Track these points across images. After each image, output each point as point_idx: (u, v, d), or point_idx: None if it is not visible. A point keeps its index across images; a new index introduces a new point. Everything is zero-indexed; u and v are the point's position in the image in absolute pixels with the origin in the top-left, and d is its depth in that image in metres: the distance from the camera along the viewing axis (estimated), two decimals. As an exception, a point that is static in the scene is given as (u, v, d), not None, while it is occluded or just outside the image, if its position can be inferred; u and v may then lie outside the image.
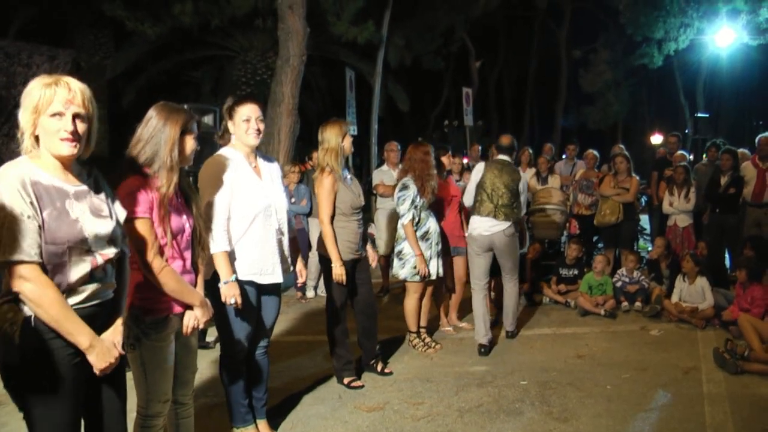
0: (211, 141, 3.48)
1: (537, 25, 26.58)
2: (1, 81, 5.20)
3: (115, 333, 2.24)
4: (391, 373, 4.73)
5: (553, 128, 25.68)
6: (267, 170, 3.46)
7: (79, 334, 2.06)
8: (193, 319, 2.71)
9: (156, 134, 2.58)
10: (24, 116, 2.04)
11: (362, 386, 4.46)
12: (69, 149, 2.06)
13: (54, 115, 2.03)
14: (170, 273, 2.59)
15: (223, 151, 3.36)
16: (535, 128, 29.65)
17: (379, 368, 4.73)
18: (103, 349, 2.12)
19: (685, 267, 6.29)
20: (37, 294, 1.97)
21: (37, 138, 2.08)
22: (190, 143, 2.68)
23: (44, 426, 2.07)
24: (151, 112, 2.63)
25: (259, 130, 3.33)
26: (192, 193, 2.82)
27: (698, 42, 18.24)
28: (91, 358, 2.10)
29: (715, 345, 5.05)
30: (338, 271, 4.26)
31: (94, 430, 2.29)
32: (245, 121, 3.29)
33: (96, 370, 2.13)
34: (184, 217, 2.71)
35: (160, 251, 2.57)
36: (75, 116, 2.06)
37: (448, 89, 26.11)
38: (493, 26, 25.27)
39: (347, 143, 4.34)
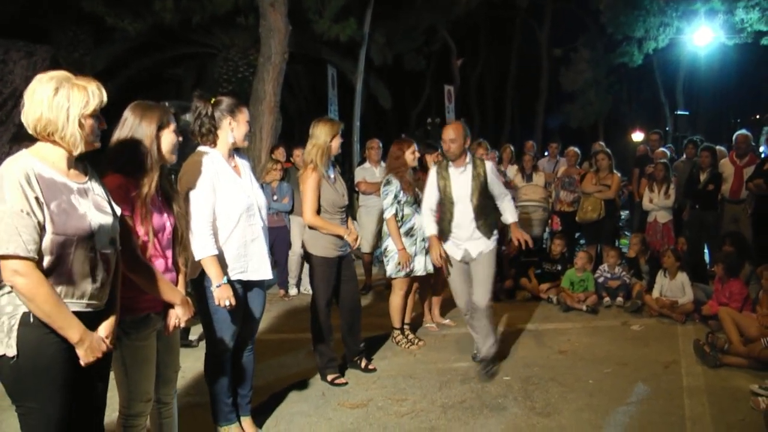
0: (191, 138, 3.46)
1: (518, 24, 26.69)
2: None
3: (107, 328, 2.28)
4: (374, 370, 4.74)
5: (534, 126, 25.83)
6: (244, 168, 3.45)
7: (70, 328, 2.11)
8: (175, 317, 2.70)
9: (133, 134, 2.58)
10: (62, 115, 2.09)
11: (346, 383, 4.46)
12: (98, 143, 2.24)
13: (93, 116, 2.16)
14: (151, 272, 2.57)
15: (203, 150, 3.33)
16: (516, 126, 29.80)
17: (363, 365, 4.73)
18: (92, 343, 2.17)
19: (666, 263, 6.36)
20: (29, 289, 2.02)
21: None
22: (168, 138, 2.66)
23: (36, 419, 2.12)
24: (127, 113, 2.64)
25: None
26: (172, 191, 2.81)
27: (677, 41, 18.44)
28: (80, 351, 2.15)
29: (694, 339, 5.11)
30: (343, 232, 4.38)
31: (74, 423, 2.30)
32: (248, 123, 3.37)
33: (81, 362, 2.17)
34: (165, 215, 2.70)
35: (142, 250, 2.56)
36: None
37: (429, 87, 26.13)
38: (474, 25, 25.31)
39: (335, 144, 4.35)
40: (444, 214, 4.71)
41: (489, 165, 4.69)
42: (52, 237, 2.05)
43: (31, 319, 2.07)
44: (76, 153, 2.16)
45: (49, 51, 5.36)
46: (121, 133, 2.59)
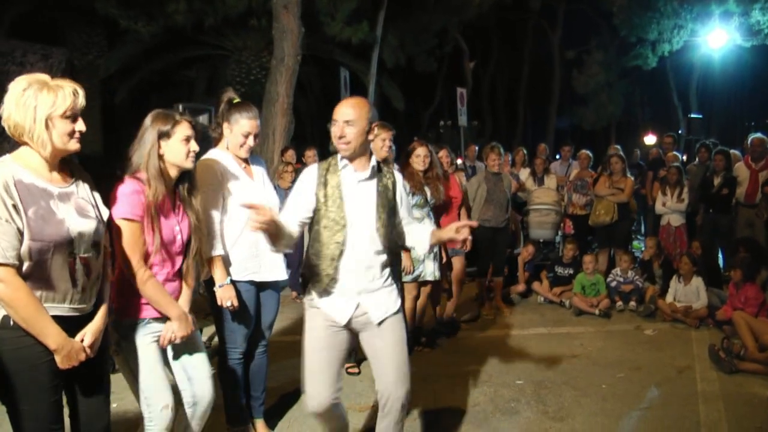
0: (207, 139, 3.45)
1: (530, 26, 26.61)
2: (-7, 79, 5.15)
3: (91, 335, 2.26)
4: None
5: (547, 129, 25.74)
6: (256, 170, 3.44)
7: (48, 336, 2.11)
8: (170, 332, 2.65)
9: (144, 142, 2.60)
10: (29, 115, 2.07)
11: (358, 372, 4.57)
12: (78, 146, 2.20)
13: (67, 117, 2.13)
14: (153, 283, 2.56)
15: (213, 153, 3.34)
16: (528, 129, 29.71)
17: None
18: (71, 352, 2.16)
19: (683, 268, 6.31)
20: (9, 295, 2.02)
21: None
22: (173, 147, 2.62)
23: (26, 421, 2.12)
24: (146, 119, 2.65)
25: (252, 147, 3.32)
26: (192, 199, 2.77)
27: (691, 43, 18.30)
28: (57, 358, 2.15)
29: (709, 344, 5.07)
30: None
31: (75, 426, 2.34)
32: (243, 136, 3.26)
33: (59, 367, 2.17)
34: (177, 224, 2.68)
35: (146, 256, 2.56)
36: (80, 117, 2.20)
37: (441, 90, 26.12)
38: (486, 27, 25.27)
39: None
40: (320, 247, 2.80)
41: (399, 177, 3.05)
42: (29, 243, 2.05)
43: (11, 323, 2.07)
44: (45, 155, 2.13)
45: (65, 54, 5.37)
46: (137, 138, 2.61)
